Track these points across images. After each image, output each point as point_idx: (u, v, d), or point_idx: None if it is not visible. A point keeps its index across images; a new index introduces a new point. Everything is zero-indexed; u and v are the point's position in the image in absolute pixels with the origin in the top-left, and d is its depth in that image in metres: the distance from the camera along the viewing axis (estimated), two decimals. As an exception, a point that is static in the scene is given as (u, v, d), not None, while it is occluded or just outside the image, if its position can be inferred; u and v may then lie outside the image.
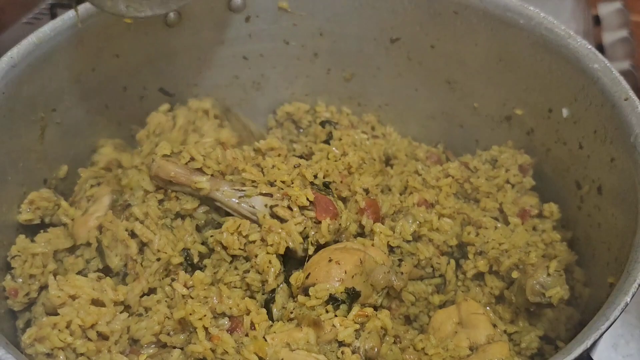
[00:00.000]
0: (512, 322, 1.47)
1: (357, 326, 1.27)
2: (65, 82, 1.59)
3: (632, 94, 1.39)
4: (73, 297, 1.31)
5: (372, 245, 1.44)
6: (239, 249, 1.39)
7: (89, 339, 1.26)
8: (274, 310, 1.34)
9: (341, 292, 1.31)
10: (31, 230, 1.54)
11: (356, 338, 1.27)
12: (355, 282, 1.33)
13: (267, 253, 1.36)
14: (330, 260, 1.34)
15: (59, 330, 1.25)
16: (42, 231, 1.52)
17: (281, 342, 1.24)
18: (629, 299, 1.09)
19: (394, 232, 1.49)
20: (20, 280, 1.42)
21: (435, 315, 1.45)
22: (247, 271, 1.38)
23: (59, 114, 1.60)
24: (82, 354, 1.26)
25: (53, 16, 2.25)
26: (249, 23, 1.78)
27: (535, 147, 1.67)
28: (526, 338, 1.42)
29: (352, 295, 1.32)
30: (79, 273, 1.41)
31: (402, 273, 1.43)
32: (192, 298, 1.31)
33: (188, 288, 1.34)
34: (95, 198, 1.54)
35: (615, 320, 1.07)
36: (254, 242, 1.38)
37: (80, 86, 1.63)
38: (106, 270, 1.43)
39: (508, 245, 1.48)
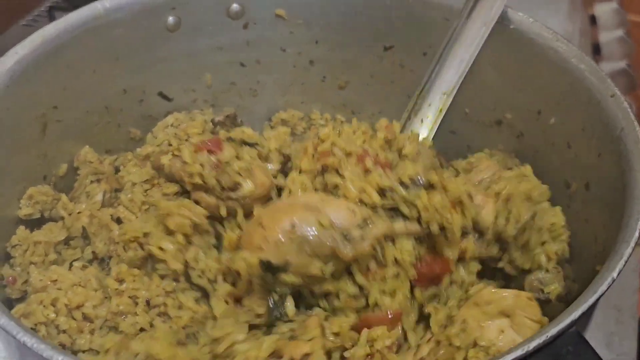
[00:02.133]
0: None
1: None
2: (67, 81, 1.62)
3: (617, 91, 1.44)
4: (54, 282, 1.33)
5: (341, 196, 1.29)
6: None
7: (74, 319, 1.28)
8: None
9: (255, 265, 1.19)
10: (31, 224, 1.56)
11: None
12: (280, 252, 1.19)
13: None
14: (259, 224, 1.22)
15: (44, 306, 1.27)
16: (41, 227, 1.55)
17: None
18: (615, 275, 1.12)
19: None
20: (19, 268, 1.44)
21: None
22: None
23: (60, 111, 1.63)
24: (64, 331, 1.27)
25: (51, 18, 2.30)
26: (246, 30, 1.83)
27: (525, 150, 1.71)
28: (519, 331, 1.44)
29: (270, 269, 1.19)
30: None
31: (362, 238, 1.23)
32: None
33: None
34: (92, 194, 1.57)
35: (602, 294, 1.10)
36: None
37: (81, 86, 1.66)
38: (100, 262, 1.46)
39: None
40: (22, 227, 1.51)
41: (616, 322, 1.72)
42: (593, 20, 2.49)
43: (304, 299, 1.29)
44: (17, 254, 1.47)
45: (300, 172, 1.41)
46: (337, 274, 1.24)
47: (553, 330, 1.05)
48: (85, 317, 1.27)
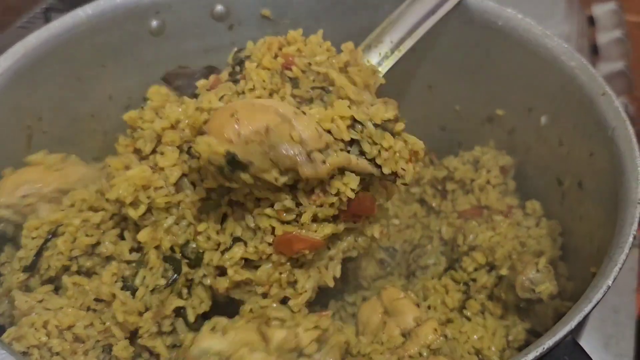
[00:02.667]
0: (502, 318, 1.49)
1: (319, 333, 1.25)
2: (52, 91, 1.60)
3: (608, 89, 1.43)
4: (41, 302, 1.32)
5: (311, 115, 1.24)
6: None
7: (65, 340, 1.26)
8: None
9: (220, 154, 1.16)
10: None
11: (318, 350, 1.25)
12: (247, 150, 1.16)
13: None
14: (232, 115, 1.17)
15: (35, 329, 1.25)
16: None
17: (241, 341, 1.23)
18: (610, 282, 1.11)
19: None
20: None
21: (361, 310, 1.44)
22: None
23: (45, 122, 1.61)
24: (57, 354, 1.25)
25: (47, 20, 2.27)
26: (232, 31, 1.80)
27: (517, 146, 1.70)
28: (513, 331, 1.44)
29: (232, 163, 1.17)
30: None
31: (324, 162, 1.20)
32: None
33: None
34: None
35: (597, 303, 1.10)
36: None
37: (66, 95, 1.64)
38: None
39: (498, 237, 1.52)
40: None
41: (614, 323, 1.73)
42: (591, 21, 2.48)
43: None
44: (5, 271, 1.45)
45: (258, 66, 1.39)
46: (284, 186, 1.24)
47: (549, 342, 1.05)
48: (77, 338, 1.25)
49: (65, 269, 1.36)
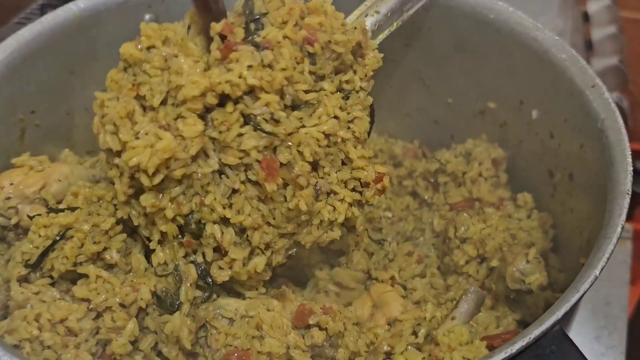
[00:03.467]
0: (492, 309, 1.49)
1: None
2: (45, 85, 1.60)
3: (598, 81, 1.43)
4: (37, 294, 1.32)
5: None
6: None
7: (57, 333, 1.26)
8: None
9: None
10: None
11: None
12: None
13: None
14: None
15: (27, 322, 1.25)
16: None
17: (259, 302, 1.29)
18: (597, 272, 1.12)
19: None
20: None
21: (352, 305, 1.46)
22: None
23: (38, 115, 1.61)
24: (48, 347, 1.25)
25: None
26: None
27: (509, 139, 1.71)
28: (504, 322, 1.45)
29: None
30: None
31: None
32: None
33: None
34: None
35: (584, 293, 1.10)
36: None
37: (60, 88, 1.64)
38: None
39: (489, 229, 1.53)
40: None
41: (605, 315, 1.74)
42: (586, 16, 2.48)
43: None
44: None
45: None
46: None
47: (536, 332, 1.05)
48: (70, 331, 1.25)
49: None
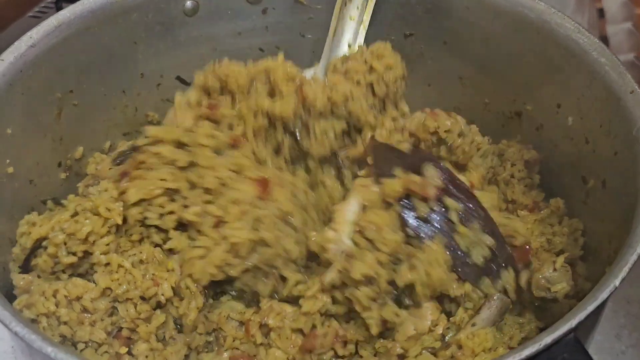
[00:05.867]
0: (518, 315, 1.47)
1: None
2: (84, 65, 1.63)
3: (637, 87, 1.39)
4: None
5: None
6: None
7: (73, 310, 1.28)
8: None
9: None
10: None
11: None
12: None
13: None
14: None
15: (45, 297, 1.28)
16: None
17: None
18: (617, 282, 1.09)
19: None
20: None
21: None
22: None
23: (76, 95, 1.64)
24: (65, 323, 1.28)
25: (58, 9, 2.30)
26: (265, 15, 1.81)
27: (544, 143, 1.67)
28: (526, 328, 1.42)
29: None
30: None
31: None
32: None
33: None
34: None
35: (602, 302, 1.08)
36: None
37: (98, 70, 1.67)
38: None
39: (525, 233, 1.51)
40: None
41: (626, 314, 1.70)
42: (601, 13, 2.43)
43: None
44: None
45: None
46: None
47: (547, 339, 1.03)
48: (85, 309, 1.28)
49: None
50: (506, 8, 1.62)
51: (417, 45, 1.80)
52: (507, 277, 1.40)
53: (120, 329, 1.29)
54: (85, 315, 1.27)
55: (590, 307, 1.06)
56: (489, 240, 1.39)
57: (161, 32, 1.73)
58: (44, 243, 1.35)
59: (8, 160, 1.48)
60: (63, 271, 1.36)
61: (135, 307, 1.29)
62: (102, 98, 1.72)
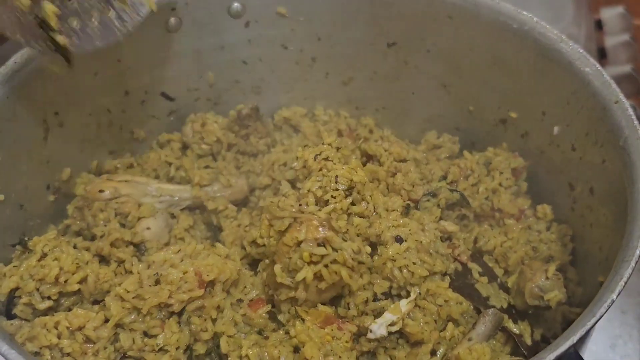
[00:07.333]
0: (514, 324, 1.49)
1: None
2: (68, 86, 1.61)
3: (622, 97, 1.41)
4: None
5: None
6: None
7: (76, 341, 1.28)
8: None
9: None
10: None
11: None
12: None
13: None
14: None
15: (47, 330, 1.28)
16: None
17: None
18: (615, 297, 1.11)
19: None
20: None
21: None
22: None
23: (61, 116, 1.62)
24: (68, 354, 1.28)
25: None
26: (248, 28, 1.81)
27: (530, 150, 1.70)
28: (521, 340, 1.45)
29: None
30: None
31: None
32: None
33: None
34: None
35: (601, 317, 1.10)
36: None
37: (83, 90, 1.65)
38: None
39: (510, 242, 1.53)
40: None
41: (621, 324, 1.73)
42: (599, 24, 2.47)
43: None
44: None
45: None
46: None
47: (551, 356, 1.05)
48: (87, 339, 1.28)
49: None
50: (489, 17, 1.63)
51: (401, 54, 1.81)
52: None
53: (123, 355, 1.29)
54: (88, 345, 1.27)
55: (590, 323, 1.09)
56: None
57: (145, 49, 1.72)
58: (17, 293, 1.35)
59: (-2, 188, 1.47)
60: (45, 313, 1.36)
61: (143, 340, 1.29)
62: (87, 118, 1.71)
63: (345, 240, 1.34)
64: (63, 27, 1.42)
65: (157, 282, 1.34)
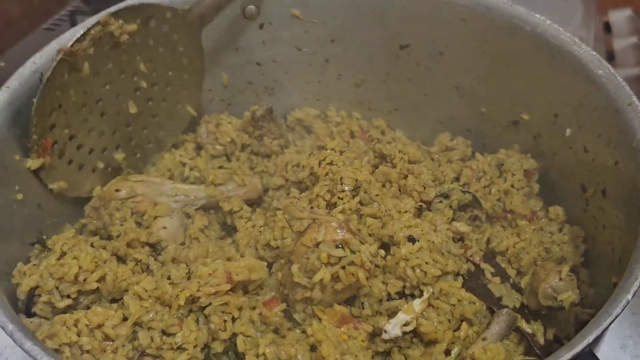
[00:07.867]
0: (527, 323, 1.50)
1: None
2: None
3: (635, 99, 1.42)
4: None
5: None
6: None
7: (95, 338, 1.30)
8: None
9: None
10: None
11: None
12: None
13: None
14: None
15: (67, 327, 1.30)
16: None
17: None
18: (630, 297, 1.12)
19: None
20: None
21: None
22: None
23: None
24: (87, 352, 1.29)
25: (73, 23, 2.29)
26: (262, 30, 1.83)
27: (542, 151, 1.71)
28: (534, 339, 1.46)
29: None
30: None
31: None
32: None
33: None
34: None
35: (616, 317, 1.11)
36: None
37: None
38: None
39: (523, 243, 1.55)
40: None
41: (631, 324, 1.74)
42: (607, 27, 2.48)
43: None
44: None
45: None
46: None
47: (567, 355, 1.06)
48: (106, 337, 1.30)
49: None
50: (502, 20, 1.65)
51: (413, 56, 1.83)
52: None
53: (142, 353, 1.31)
54: (107, 342, 1.29)
55: (605, 323, 1.10)
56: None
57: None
58: (37, 291, 1.37)
59: (17, 187, 1.49)
60: (64, 312, 1.38)
61: (161, 338, 1.31)
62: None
63: (363, 243, 1.36)
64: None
65: (188, 278, 1.37)
